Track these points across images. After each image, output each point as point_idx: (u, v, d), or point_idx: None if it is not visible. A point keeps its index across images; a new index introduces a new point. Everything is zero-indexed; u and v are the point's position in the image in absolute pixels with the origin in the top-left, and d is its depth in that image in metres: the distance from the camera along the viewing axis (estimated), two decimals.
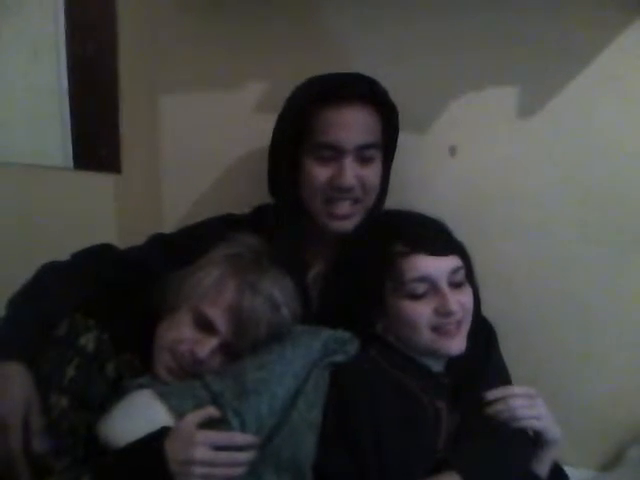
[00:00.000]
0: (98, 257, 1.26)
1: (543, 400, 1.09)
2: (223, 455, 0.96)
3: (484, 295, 1.21)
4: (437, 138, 1.41)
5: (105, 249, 1.29)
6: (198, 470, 0.93)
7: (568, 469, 1.17)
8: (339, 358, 1.08)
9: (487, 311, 1.26)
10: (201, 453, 0.93)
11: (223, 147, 1.52)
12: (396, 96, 1.26)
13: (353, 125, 1.20)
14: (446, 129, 1.40)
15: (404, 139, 1.33)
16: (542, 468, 1.09)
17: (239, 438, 0.97)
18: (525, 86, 1.35)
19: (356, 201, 1.24)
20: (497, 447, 1.04)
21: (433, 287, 1.07)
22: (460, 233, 1.17)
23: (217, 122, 1.51)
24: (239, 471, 0.97)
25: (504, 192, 1.40)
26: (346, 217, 1.24)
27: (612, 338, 1.41)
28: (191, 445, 0.93)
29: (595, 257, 1.39)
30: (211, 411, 0.99)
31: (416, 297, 1.07)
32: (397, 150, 1.31)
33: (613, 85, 1.31)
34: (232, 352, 1.09)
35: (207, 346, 1.07)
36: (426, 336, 1.07)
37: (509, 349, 1.26)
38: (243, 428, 0.98)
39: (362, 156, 1.22)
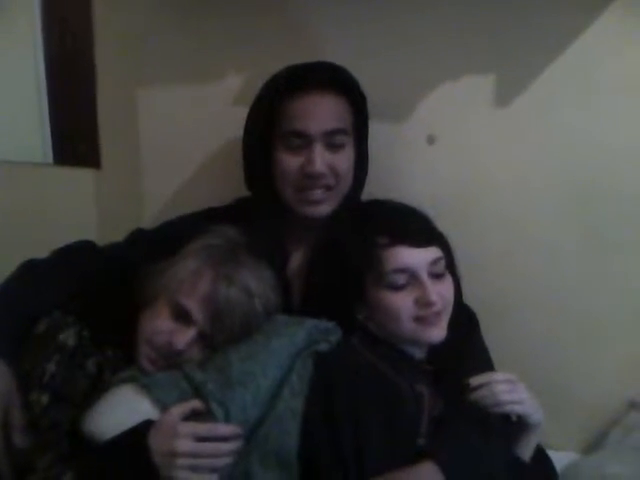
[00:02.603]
0: (78, 254, 1.25)
1: (525, 385, 1.10)
2: (207, 446, 0.95)
3: (466, 284, 1.22)
4: (415, 127, 1.41)
5: (85, 246, 1.28)
6: (182, 462, 0.93)
7: (551, 452, 1.18)
8: (322, 347, 1.08)
9: (470, 300, 1.27)
10: (184, 445, 0.93)
11: (203, 141, 1.51)
12: (374, 86, 1.27)
13: (319, 111, 1.20)
14: (424, 118, 1.41)
15: (382, 128, 1.34)
16: (525, 452, 1.09)
17: (222, 429, 0.97)
18: (503, 74, 1.36)
19: (328, 188, 1.24)
20: (478, 437, 1.03)
21: (413, 278, 1.08)
22: (439, 222, 1.17)
23: (196, 116, 1.51)
24: (224, 462, 0.97)
25: (483, 181, 1.41)
26: (319, 202, 1.24)
27: (592, 324, 1.43)
28: (174, 437, 0.93)
29: (578, 247, 1.40)
30: (195, 404, 0.99)
31: (397, 288, 1.08)
32: (375, 139, 1.31)
33: (592, 72, 1.32)
34: (209, 344, 1.09)
35: (184, 337, 1.08)
36: (407, 326, 1.08)
37: (492, 336, 1.26)
38: (228, 419, 0.98)
39: (331, 142, 1.22)
